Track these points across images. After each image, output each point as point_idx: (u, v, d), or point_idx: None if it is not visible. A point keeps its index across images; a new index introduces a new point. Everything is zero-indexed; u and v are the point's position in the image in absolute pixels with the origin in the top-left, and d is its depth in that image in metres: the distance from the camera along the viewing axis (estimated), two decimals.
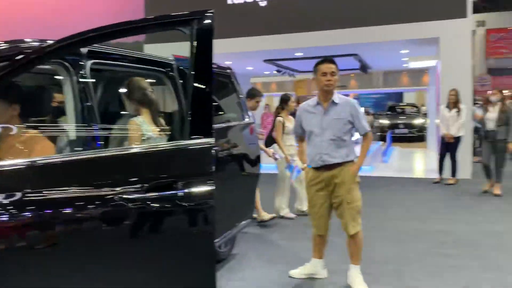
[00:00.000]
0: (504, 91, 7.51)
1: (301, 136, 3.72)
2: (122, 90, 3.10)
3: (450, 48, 8.53)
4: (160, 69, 3.52)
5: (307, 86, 18.04)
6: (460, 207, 6.19)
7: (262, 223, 5.32)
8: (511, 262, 4.00)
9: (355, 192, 3.44)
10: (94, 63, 2.73)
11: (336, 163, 3.40)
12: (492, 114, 6.78)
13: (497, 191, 6.83)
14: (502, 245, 4.47)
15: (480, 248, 4.41)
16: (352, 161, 3.47)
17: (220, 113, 4.29)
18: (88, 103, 2.50)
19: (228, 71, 4.34)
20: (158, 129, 2.96)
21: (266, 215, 5.37)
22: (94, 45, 2.68)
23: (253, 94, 5.53)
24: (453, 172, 7.96)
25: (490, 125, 6.80)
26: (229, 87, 4.36)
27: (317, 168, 3.48)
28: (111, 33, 2.17)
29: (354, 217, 3.42)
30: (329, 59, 3.49)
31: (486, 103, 7.16)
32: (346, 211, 3.41)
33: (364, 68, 12.43)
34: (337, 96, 3.48)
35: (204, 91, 1.74)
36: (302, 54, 10.71)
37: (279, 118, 5.69)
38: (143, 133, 2.86)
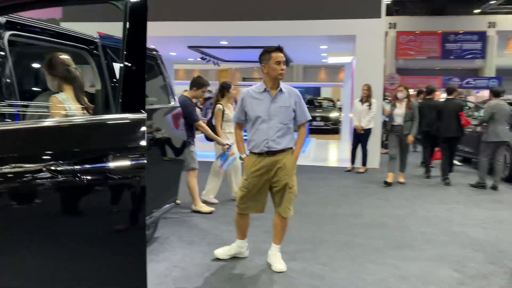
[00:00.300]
0: (410, 90, 8.15)
1: (241, 123, 3.72)
2: (44, 65, 2.96)
3: (365, 46, 9.11)
4: (84, 46, 3.41)
5: (230, 75, 18.14)
6: (369, 193, 6.71)
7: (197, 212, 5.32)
8: (411, 240, 4.46)
9: (294, 177, 3.59)
10: (12, 35, 2.59)
11: (280, 150, 3.49)
12: (400, 110, 7.31)
13: (401, 179, 7.48)
14: (404, 227, 4.95)
15: (385, 229, 4.85)
16: (291, 148, 3.58)
17: None
18: (5, 77, 2.38)
19: (154, 52, 4.28)
20: (82, 107, 2.87)
21: (204, 208, 5.37)
22: (12, 15, 2.54)
23: (202, 83, 5.39)
24: (364, 161, 8.57)
25: (398, 120, 7.33)
26: (155, 70, 4.31)
27: (260, 154, 3.51)
28: (27, 3, 2.07)
29: (290, 201, 3.59)
30: (281, 48, 3.49)
31: (394, 100, 7.69)
32: (286, 195, 3.54)
33: (286, 61, 12.77)
34: (282, 85, 3.54)
35: (137, 67, 1.76)
36: (226, 43, 10.78)
37: (219, 106, 5.68)
38: (66, 110, 2.76)
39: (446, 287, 3.35)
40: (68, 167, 1.67)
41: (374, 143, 8.84)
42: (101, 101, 3.35)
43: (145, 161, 1.69)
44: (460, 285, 3.40)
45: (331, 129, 17.09)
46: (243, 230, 3.79)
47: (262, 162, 3.51)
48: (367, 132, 8.38)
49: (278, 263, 3.62)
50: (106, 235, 1.77)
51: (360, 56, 9.24)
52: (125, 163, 1.70)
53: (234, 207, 3.74)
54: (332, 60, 12.49)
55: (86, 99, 2.98)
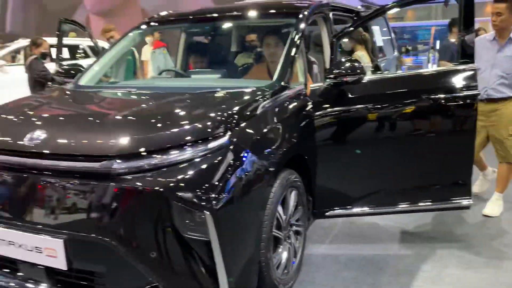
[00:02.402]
0: None
1: None
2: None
3: None
4: (350, 15, 4.55)
5: None
6: None
7: None
8: None
9: None
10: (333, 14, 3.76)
11: (500, 98, 3.58)
12: None
13: None
14: None
15: None
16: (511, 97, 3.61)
17: None
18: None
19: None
20: (370, 58, 4.15)
21: None
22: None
23: None
24: None
25: None
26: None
27: (480, 100, 3.50)
28: None
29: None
30: None
31: None
32: (506, 142, 3.61)
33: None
34: None
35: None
36: None
37: None
38: (362, 64, 4.03)
39: None
40: (435, 97, 2.87)
41: None
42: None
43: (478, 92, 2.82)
44: None
45: None
46: (480, 164, 4.07)
47: (481, 108, 3.50)
48: None
49: (490, 207, 3.71)
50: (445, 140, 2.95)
51: None
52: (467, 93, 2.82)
53: None
54: None
55: (370, 53, 4.25)
